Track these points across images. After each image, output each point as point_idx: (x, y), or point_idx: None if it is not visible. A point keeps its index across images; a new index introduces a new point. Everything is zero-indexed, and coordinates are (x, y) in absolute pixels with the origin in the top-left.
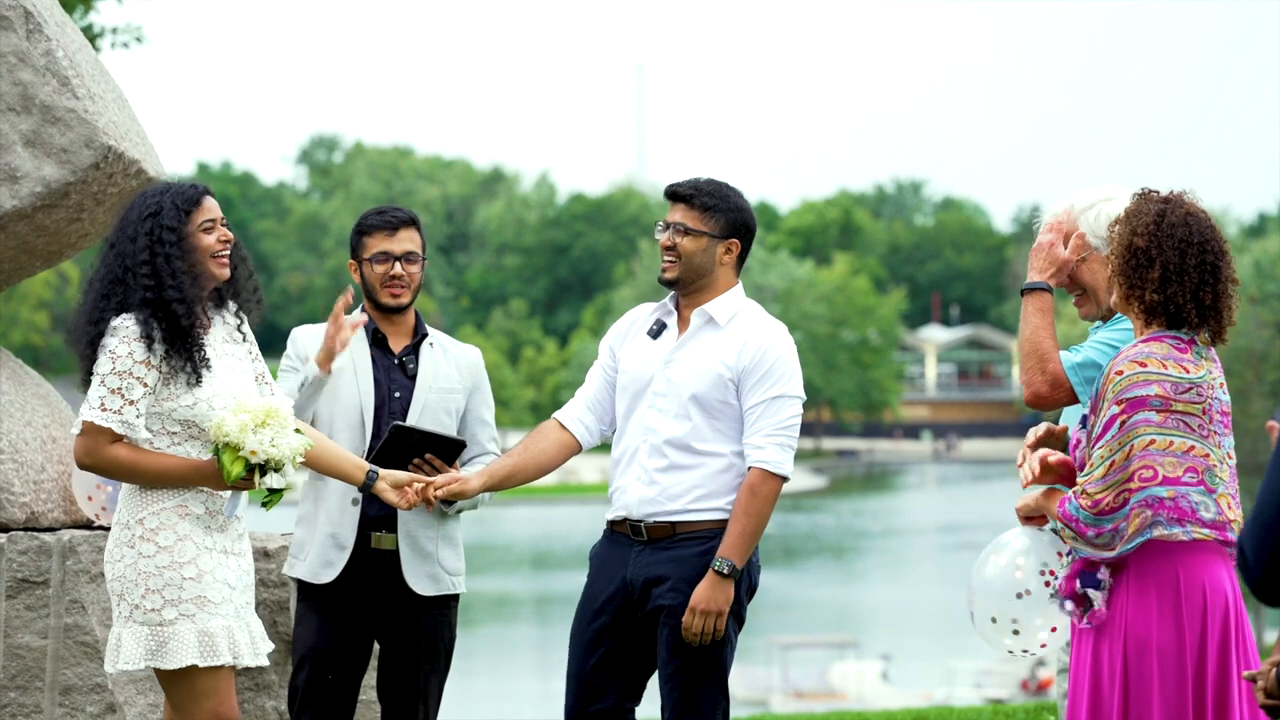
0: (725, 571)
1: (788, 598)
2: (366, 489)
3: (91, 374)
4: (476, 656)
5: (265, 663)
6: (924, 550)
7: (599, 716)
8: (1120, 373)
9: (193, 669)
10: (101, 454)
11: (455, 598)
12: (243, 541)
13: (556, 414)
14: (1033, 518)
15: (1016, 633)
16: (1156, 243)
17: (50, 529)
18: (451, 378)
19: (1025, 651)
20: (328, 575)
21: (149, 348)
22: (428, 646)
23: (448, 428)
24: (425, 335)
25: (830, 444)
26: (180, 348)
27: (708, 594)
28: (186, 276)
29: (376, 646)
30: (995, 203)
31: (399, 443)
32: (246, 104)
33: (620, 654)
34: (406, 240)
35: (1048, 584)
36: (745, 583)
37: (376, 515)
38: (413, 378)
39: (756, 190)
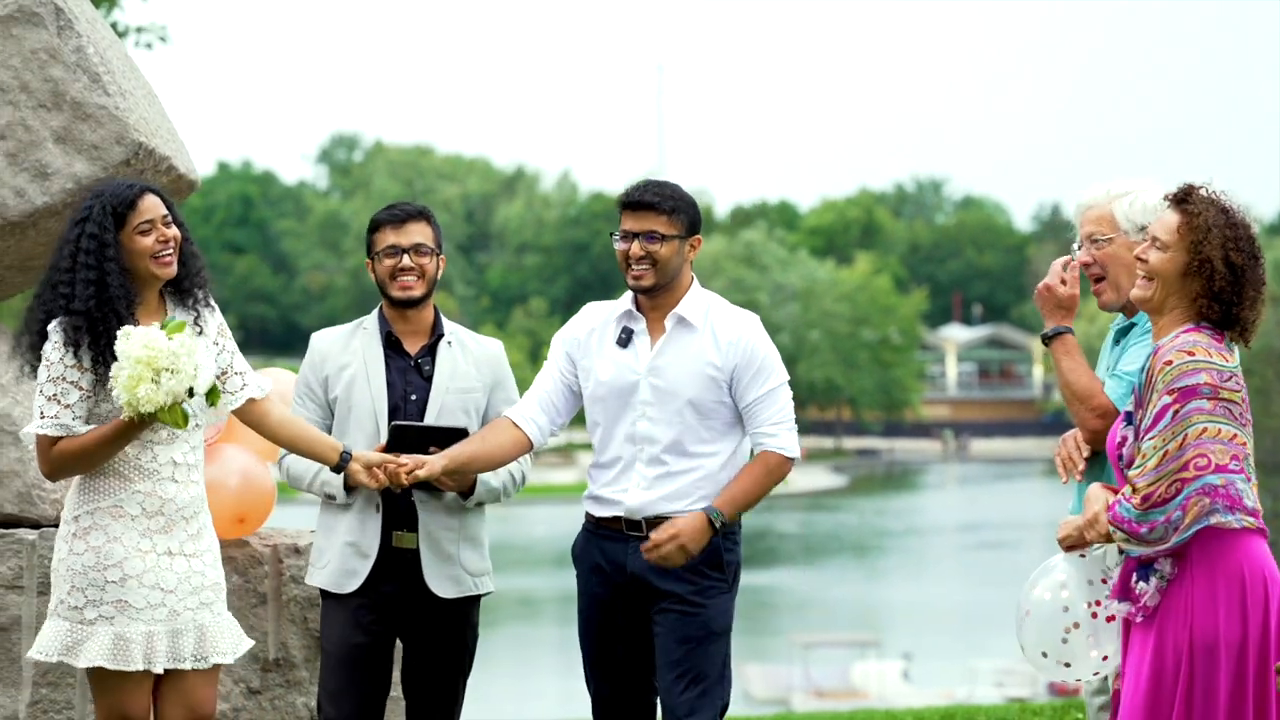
0: (714, 521)
1: (809, 597)
2: (340, 470)
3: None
4: (500, 656)
5: (229, 661)
6: (945, 549)
7: (632, 700)
8: (1169, 363)
9: (101, 669)
10: (53, 457)
11: (478, 599)
12: (199, 540)
13: (508, 412)
14: (1075, 546)
15: (1068, 665)
16: (1224, 254)
17: None
18: (470, 376)
19: (1078, 680)
20: (351, 584)
21: (76, 354)
22: (449, 648)
23: (459, 423)
24: (442, 335)
25: (851, 443)
26: (105, 354)
27: (690, 531)
28: (113, 282)
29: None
30: (1016, 201)
31: (401, 442)
32: (267, 103)
33: (637, 640)
34: (416, 233)
35: (1094, 615)
36: (735, 571)
37: (399, 519)
38: (429, 379)
39: (777, 189)
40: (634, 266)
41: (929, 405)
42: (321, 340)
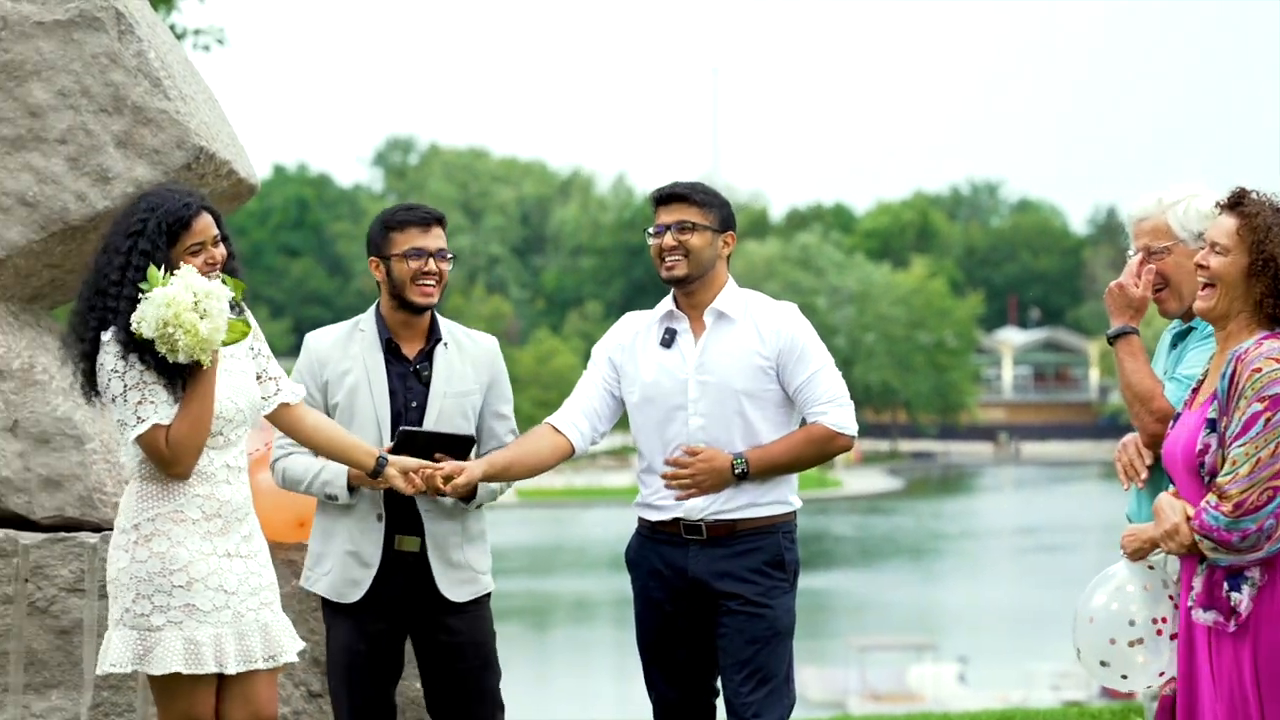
0: (735, 468)
1: (865, 600)
2: (377, 474)
3: (92, 383)
4: (557, 658)
5: (294, 659)
6: (1001, 552)
7: (695, 703)
8: (1258, 370)
9: (176, 675)
10: (174, 444)
11: (488, 595)
12: (252, 542)
13: (550, 419)
14: (1142, 555)
15: (1125, 677)
16: None
17: None
18: (467, 378)
19: (1133, 690)
20: (354, 594)
21: (140, 358)
22: (469, 644)
23: (461, 428)
24: (439, 338)
25: (906, 446)
26: (157, 368)
27: (710, 472)
28: None
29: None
30: (1072, 204)
31: (408, 447)
32: (323, 106)
33: (699, 642)
34: (439, 237)
35: (1159, 632)
36: (795, 570)
37: (400, 524)
38: (427, 384)
39: (832, 192)
40: (667, 258)
41: (984, 408)
42: (318, 342)
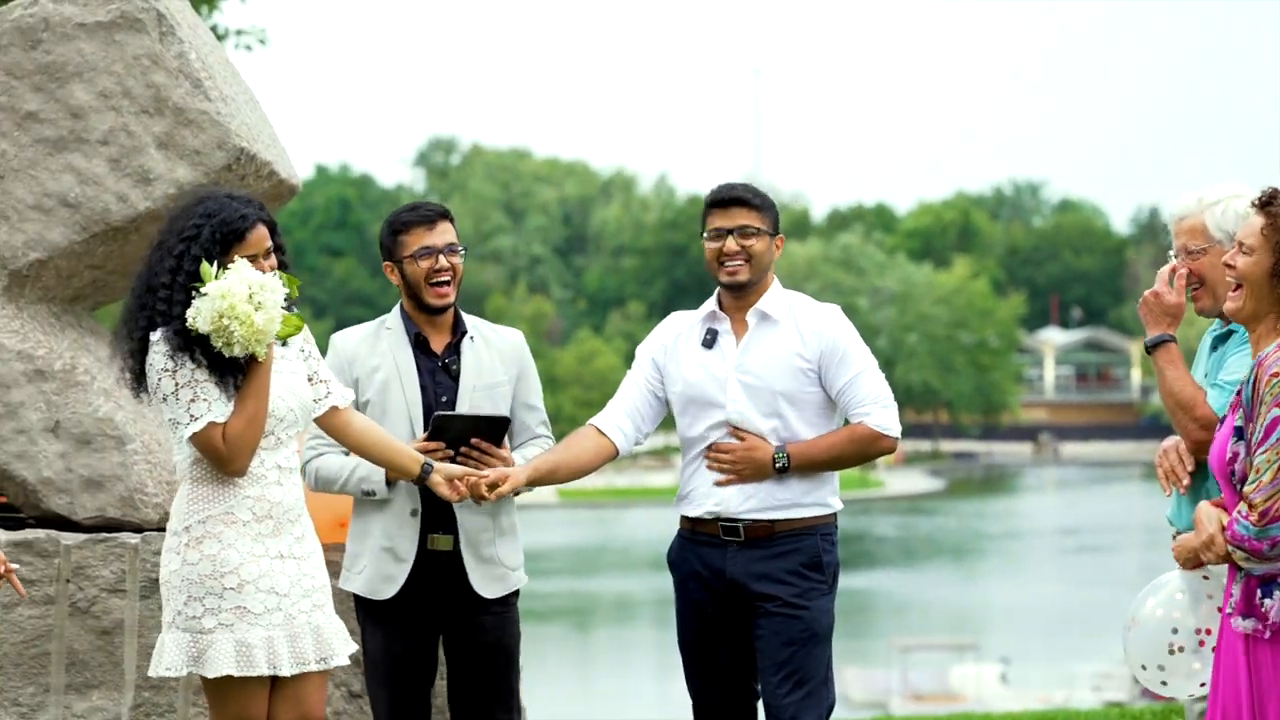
0: (776, 460)
1: (907, 600)
2: (421, 481)
3: (141, 383)
4: (598, 658)
5: (345, 662)
6: (1043, 552)
7: (734, 704)
8: (1276, 375)
9: (229, 678)
10: (231, 440)
11: (516, 593)
12: (304, 543)
13: (593, 420)
14: (1193, 565)
15: (1164, 684)
16: None
17: None
18: (496, 370)
19: (1173, 696)
20: (388, 590)
21: (191, 356)
22: (496, 643)
23: (505, 414)
24: (465, 331)
25: (948, 446)
26: (209, 366)
27: (751, 462)
28: None
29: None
30: (1114, 204)
31: (444, 431)
32: (365, 106)
33: (739, 644)
34: (446, 232)
35: (1202, 643)
36: (834, 572)
37: (434, 521)
38: (456, 378)
39: (873, 192)
40: (729, 263)
41: (1026, 408)
42: (345, 342)
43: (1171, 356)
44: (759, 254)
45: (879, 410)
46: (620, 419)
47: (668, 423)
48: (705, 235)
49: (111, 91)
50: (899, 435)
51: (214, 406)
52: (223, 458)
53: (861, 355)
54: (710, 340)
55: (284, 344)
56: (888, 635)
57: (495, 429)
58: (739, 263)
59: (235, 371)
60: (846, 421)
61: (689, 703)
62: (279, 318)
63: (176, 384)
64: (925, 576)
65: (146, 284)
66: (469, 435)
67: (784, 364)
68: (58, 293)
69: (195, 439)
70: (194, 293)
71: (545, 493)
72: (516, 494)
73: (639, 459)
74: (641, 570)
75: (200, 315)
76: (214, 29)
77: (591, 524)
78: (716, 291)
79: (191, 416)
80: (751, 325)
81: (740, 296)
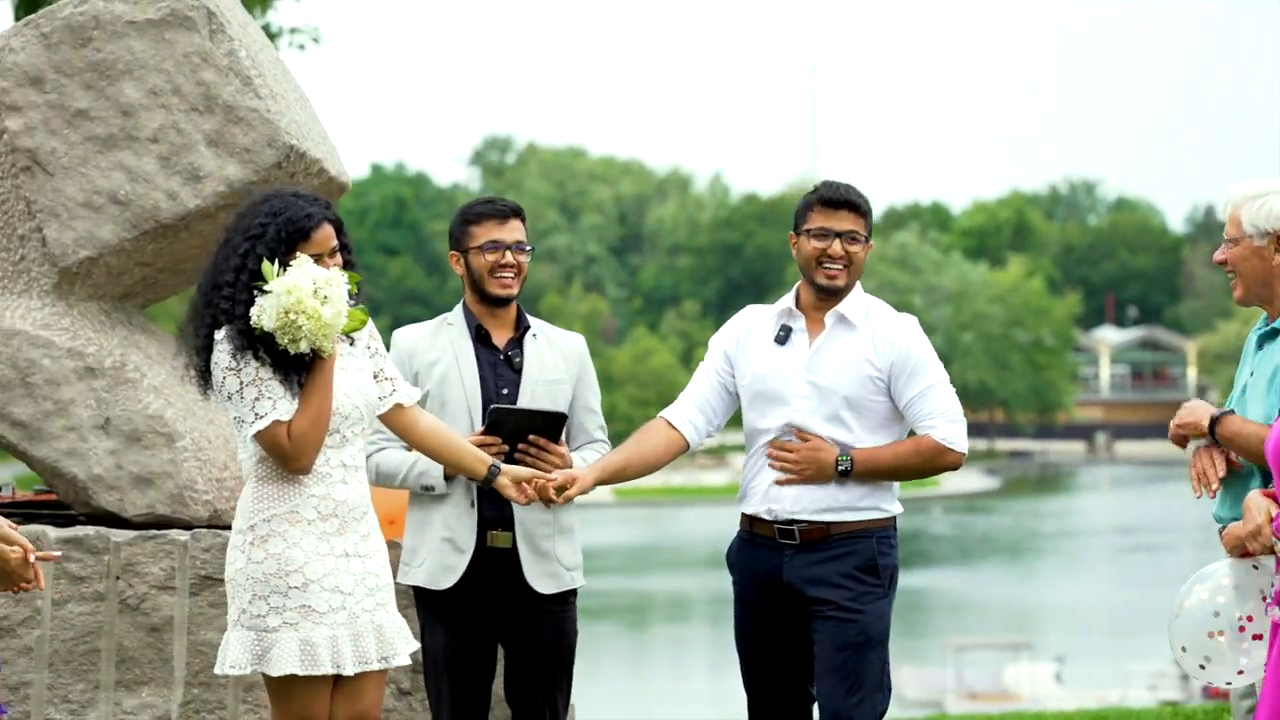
0: (839, 464)
1: (963, 599)
2: (488, 483)
3: (207, 381)
4: (654, 656)
5: (406, 661)
6: (1098, 551)
7: (789, 704)
8: None
9: (292, 676)
10: (296, 438)
11: (574, 593)
12: (370, 541)
13: (664, 413)
14: (1242, 554)
15: (1203, 667)
16: None
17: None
18: (558, 368)
19: (1212, 683)
20: (447, 580)
21: (255, 355)
22: (551, 644)
23: (562, 410)
24: (528, 327)
25: (1003, 445)
26: (274, 364)
27: (816, 464)
28: None
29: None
30: (1169, 203)
31: (501, 426)
32: (421, 105)
33: (794, 646)
34: (516, 230)
35: (1243, 629)
36: (891, 575)
37: (494, 515)
38: (519, 372)
39: (929, 190)
40: (830, 266)
41: (1082, 407)
42: (406, 338)
43: (1233, 424)
44: (859, 262)
45: (946, 424)
46: (691, 412)
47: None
48: (807, 232)
49: (161, 89)
50: (965, 451)
51: (279, 404)
52: (287, 455)
53: (933, 368)
54: (784, 337)
55: (350, 342)
56: (943, 634)
57: (553, 425)
58: (839, 267)
59: (299, 369)
60: (913, 433)
61: (744, 701)
62: (345, 311)
63: (241, 382)
64: (980, 575)
65: (212, 282)
66: (526, 431)
67: (853, 370)
68: (108, 290)
69: (260, 437)
70: (256, 291)
71: (601, 491)
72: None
73: (695, 457)
74: (696, 569)
75: (265, 312)
76: (267, 28)
77: (647, 523)
78: (796, 288)
79: (256, 415)
80: (828, 326)
81: (824, 298)
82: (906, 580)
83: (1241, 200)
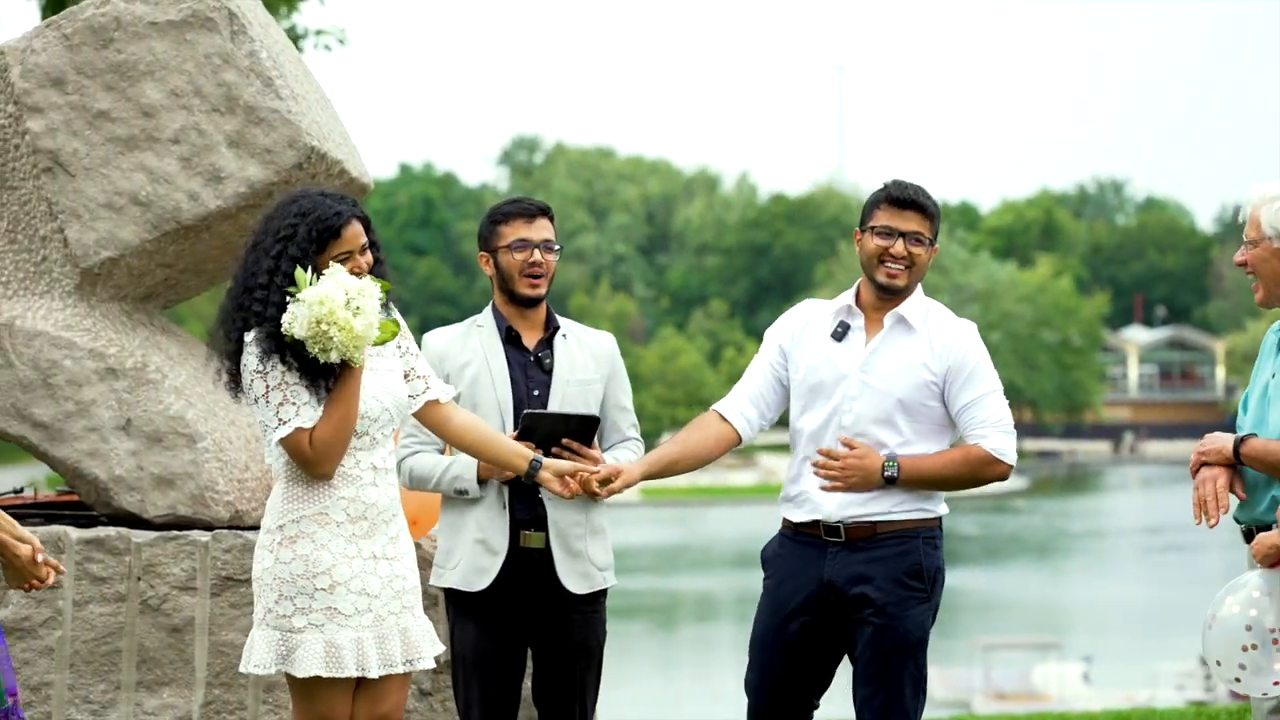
0: (885, 470)
1: (990, 599)
2: (530, 478)
3: (238, 383)
4: (683, 657)
5: (431, 665)
6: (1127, 551)
7: (791, 713)
8: None
9: (316, 678)
10: (318, 446)
11: (604, 593)
12: (399, 544)
13: (716, 405)
14: (1275, 563)
15: (1239, 679)
16: None
17: (254, 527)
18: (588, 368)
19: (1247, 693)
20: (481, 582)
21: (282, 359)
22: (581, 644)
23: (595, 413)
24: (557, 328)
25: (1031, 445)
26: (301, 370)
27: (863, 471)
28: None
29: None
30: (1198, 202)
31: (534, 431)
32: (449, 105)
33: (816, 653)
34: (544, 229)
35: (1276, 641)
36: (935, 577)
37: (527, 517)
38: (549, 372)
39: (957, 190)
40: (891, 265)
41: (1110, 407)
42: (437, 340)
43: (1257, 444)
44: (922, 264)
45: (997, 434)
46: (744, 405)
47: None
48: (871, 229)
49: (183, 90)
50: (1014, 463)
51: (302, 411)
52: (309, 462)
53: (989, 377)
54: (841, 333)
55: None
56: (971, 634)
57: (585, 428)
58: (901, 267)
59: (327, 375)
60: (962, 441)
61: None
62: (376, 323)
63: (267, 386)
64: (1008, 575)
65: (243, 285)
66: (559, 434)
67: (908, 373)
68: (129, 291)
69: (284, 443)
70: (289, 297)
71: (628, 492)
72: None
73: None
74: (723, 569)
75: (297, 321)
76: (293, 29)
77: (674, 522)
78: (857, 285)
79: (280, 420)
80: (886, 327)
81: (885, 298)
82: None
83: (1261, 201)
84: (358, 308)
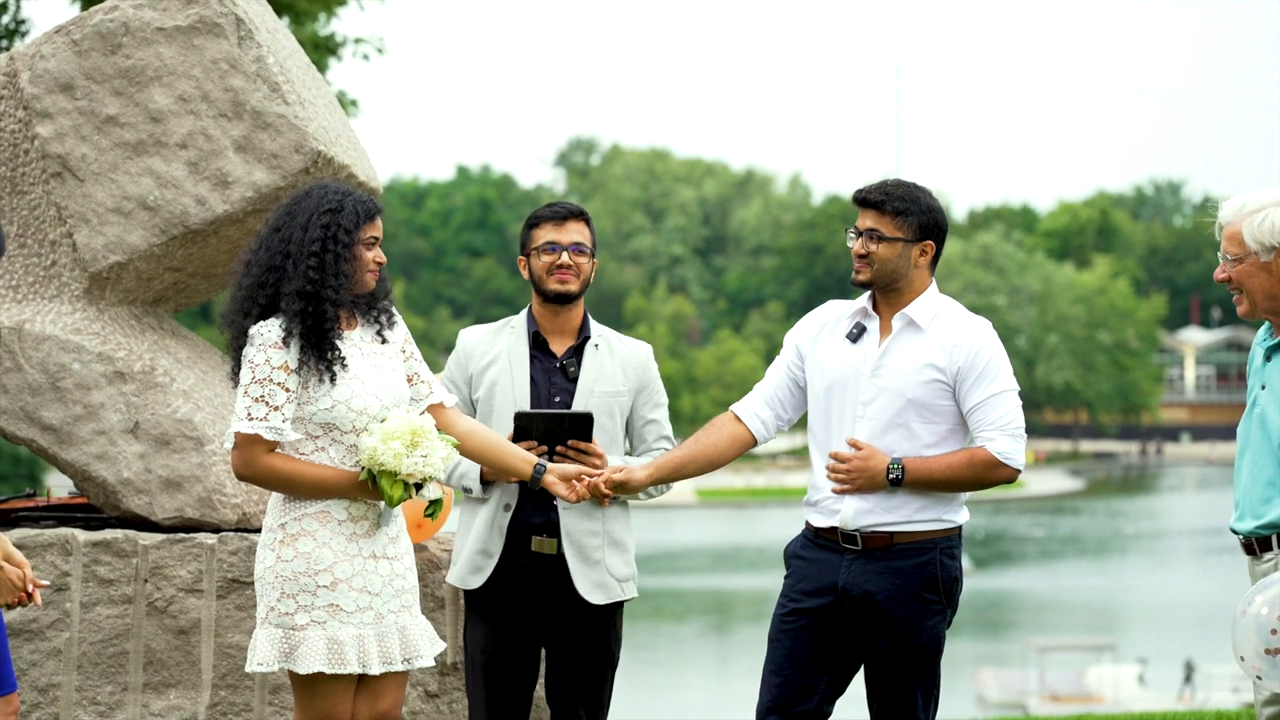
0: (890, 472)
1: (1046, 600)
2: (535, 483)
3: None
4: (738, 658)
5: (430, 663)
6: (1182, 553)
7: (802, 717)
8: None
9: (319, 675)
10: (258, 464)
11: (623, 604)
12: (398, 544)
13: (733, 407)
14: None
15: (1260, 678)
16: None
17: (260, 530)
18: (616, 379)
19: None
20: (474, 581)
21: (286, 350)
22: (595, 653)
23: (605, 427)
24: (589, 336)
25: (1087, 446)
26: (316, 348)
27: (868, 473)
28: (345, 279)
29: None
30: None
31: (528, 431)
32: (506, 107)
33: (828, 657)
34: (574, 232)
35: None
36: (951, 588)
37: (540, 521)
38: (574, 381)
39: (1014, 191)
40: (855, 261)
41: (1167, 409)
42: (468, 338)
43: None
44: (881, 259)
45: (1004, 438)
46: (759, 406)
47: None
48: (848, 231)
49: (190, 95)
50: (1021, 467)
51: (270, 417)
52: (236, 465)
53: (1002, 377)
54: (856, 335)
55: (383, 341)
56: (1025, 636)
57: (580, 426)
58: (860, 264)
59: (325, 363)
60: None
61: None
62: (428, 499)
63: (253, 377)
64: (1064, 577)
65: (275, 261)
66: (556, 433)
67: (917, 373)
68: (138, 295)
69: (238, 436)
70: (343, 273)
71: (684, 492)
72: (647, 495)
73: (778, 458)
74: (777, 570)
75: (375, 441)
76: (332, 37)
77: (728, 523)
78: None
79: (248, 415)
80: (895, 329)
81: (884, 297)
82: (990, 582)
83: (1239, 216)
84: (424, 478)
